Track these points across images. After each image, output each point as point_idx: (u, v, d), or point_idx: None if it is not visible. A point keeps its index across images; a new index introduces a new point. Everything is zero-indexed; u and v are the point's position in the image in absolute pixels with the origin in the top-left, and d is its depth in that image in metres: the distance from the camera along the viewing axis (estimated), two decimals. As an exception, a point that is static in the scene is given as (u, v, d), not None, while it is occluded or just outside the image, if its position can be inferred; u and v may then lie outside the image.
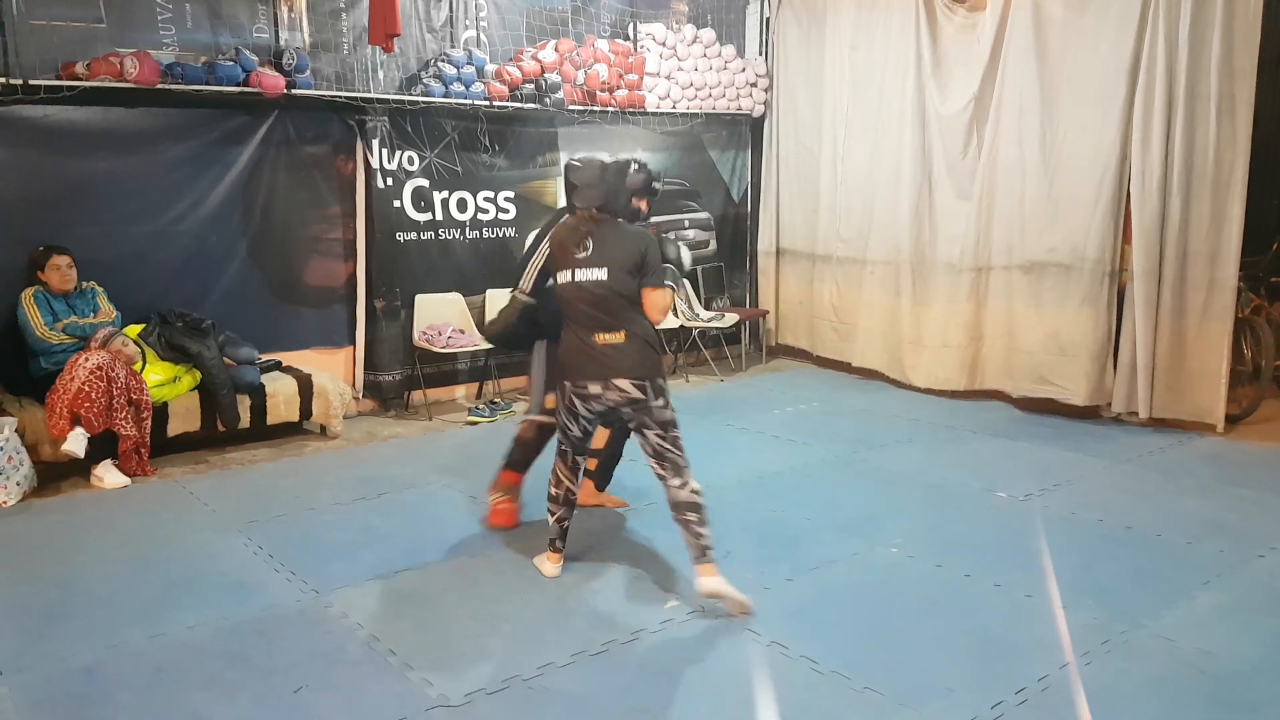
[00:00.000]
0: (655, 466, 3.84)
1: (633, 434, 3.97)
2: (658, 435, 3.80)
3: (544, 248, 4.13)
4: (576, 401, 3.89)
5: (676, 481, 3.80)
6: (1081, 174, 6.49)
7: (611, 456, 4.78)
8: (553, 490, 4.06)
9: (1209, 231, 6.07)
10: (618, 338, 3.79)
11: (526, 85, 7.16)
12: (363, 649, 3.45)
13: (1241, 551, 4.25)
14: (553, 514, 4.07)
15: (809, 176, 8.48)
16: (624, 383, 3.76)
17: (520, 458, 4.64)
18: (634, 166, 4.00)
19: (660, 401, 3.81)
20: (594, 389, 3.81)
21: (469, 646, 3.47)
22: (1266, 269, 6.86)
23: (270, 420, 5.94)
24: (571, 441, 4.01)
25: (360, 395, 6.85)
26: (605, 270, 3.78)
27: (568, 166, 3.95)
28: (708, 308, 8.60)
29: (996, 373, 7.07)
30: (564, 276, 3.85)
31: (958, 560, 4.21)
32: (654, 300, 3.82)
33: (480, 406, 6.84)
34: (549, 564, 4.09)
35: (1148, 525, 4.59)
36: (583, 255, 3.81)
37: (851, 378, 8.00)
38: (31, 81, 5.36)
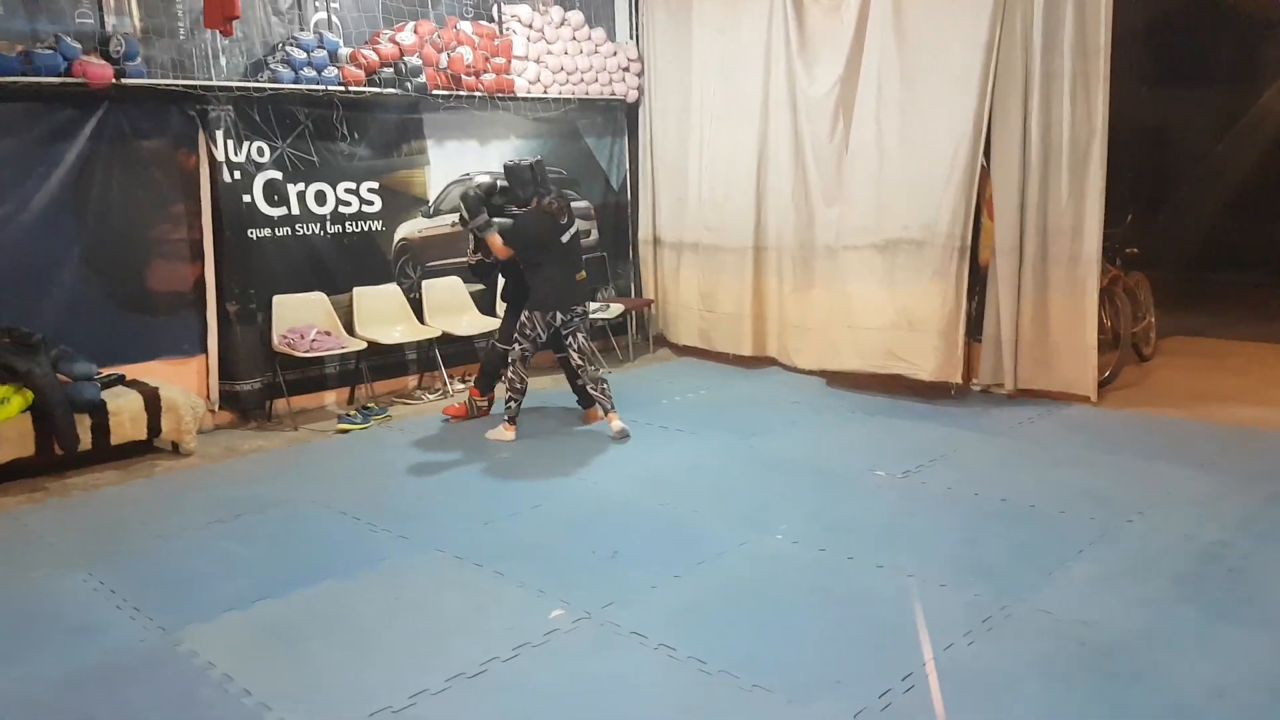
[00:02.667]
0: (577, 357, 5.97)
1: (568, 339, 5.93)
2: (585, 337, 6.02)
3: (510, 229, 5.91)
4: (559, 316, 5.82)
5: (592, 369, 6.01)
6: (938, 152, 6.50)
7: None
8: (519, 385, 5.92)
9: (1068, 206, 6.21)
10: (584, 275, 6.04)
11: (385, 69, 6.81)
12: (215, 691, 3.16)
13: (1112, 518, 4.35)
14: (516, 400, 5.93)
15: (680, 164, 8.38)
16: (582, 305, 5.95)
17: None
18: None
19: (587, 313, 6.06)
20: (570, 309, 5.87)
21: (335, 680, 3.22)
22: (1121, 240, 7.10)
23: (115, 440, 5.47)
24: (536, 347, 5.95)
25: (217, 407, 6.40)
26: (575, 229, 5.89)
27: (515, 167, 6.01)
28: (593, 298, 8.41)
29: (848, 351, 7.04)
30: (564, 237, 5.84)
31: (841, 544, 4.17)
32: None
33: (352, 413, 6.49)
34: (508, 432, 5.91)
35: (1022, 496, 4.66)
36: (565, 222, 5.84)
37: (733, 365, 7.96)
38: None
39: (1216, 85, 11.21)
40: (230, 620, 3.66)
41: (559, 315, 5.84)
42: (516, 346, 5.91)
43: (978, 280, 6.61)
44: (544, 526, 4.56)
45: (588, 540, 4.34)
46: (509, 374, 5.94)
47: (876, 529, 4.34)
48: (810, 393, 6.99)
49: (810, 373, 7.39)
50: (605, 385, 5.98)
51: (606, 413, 5.92)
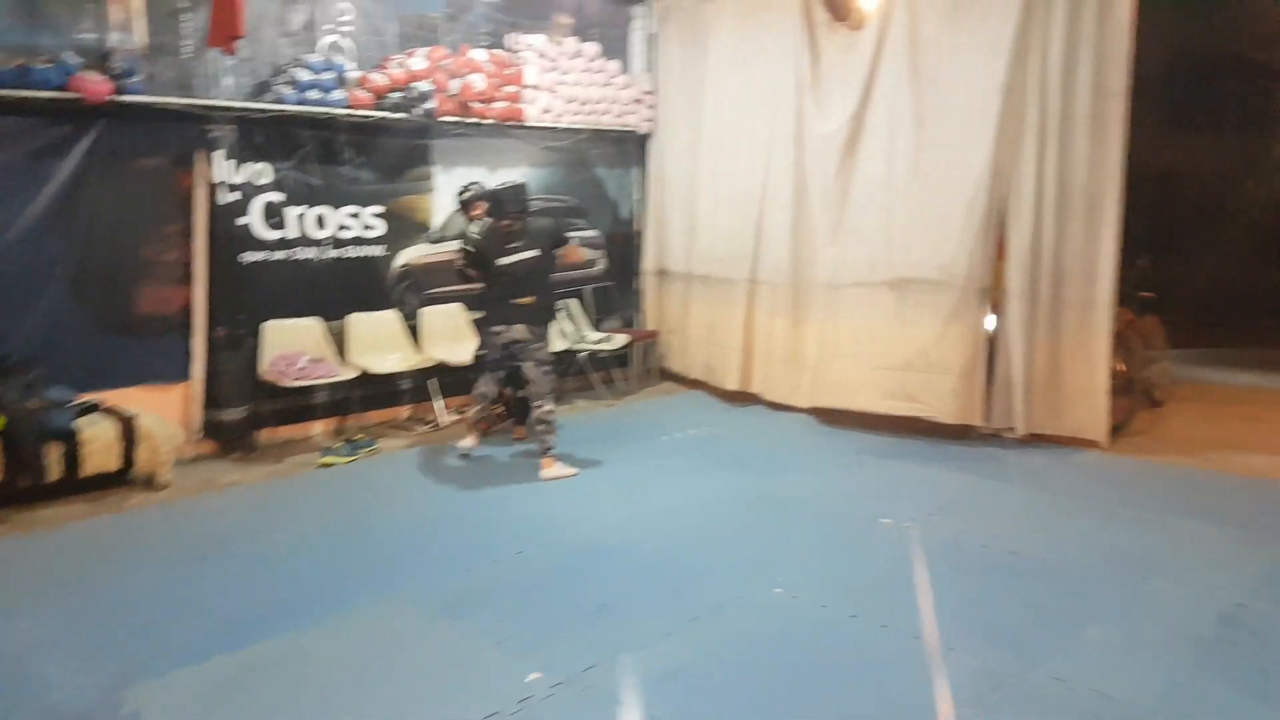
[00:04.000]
0: (529, 386, 5.86)
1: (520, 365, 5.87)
2: (535, 366, 5.79)
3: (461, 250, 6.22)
4: (500, 334, 5.82)
5: (542, 407, 5.76)
6: (953, 192, 6.38)
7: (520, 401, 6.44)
8: (479, 391, 6.11)
9: (1084, 250, 6.06)
10: (530, 300, 5.79)
11: (394, 94, 6.71)
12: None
13: (1128, 576, 4.14)
14: (482, 408, 6.15)
15: (688, 196, 8.26)
16: (521, 329, 5.76)
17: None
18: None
19: (540, 345, 5.79)
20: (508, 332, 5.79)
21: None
22: (1133, 283, 6.94)
23: (87, 470, 5.23)
24: (495, 360, 6.02)
25: (200, 436, 6.19)
26: (526, 255, 5.80)
27: (499, 188, 6.00)
28: (597, 329, 8.26)
29: (867, 391, 6.86)
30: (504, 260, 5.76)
31: (843, 600, 3.96)
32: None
33: (337, 445, 6.27)
34: (470, 439, 6.13)
35: (1033, 550, 4.45)
36: (514, 245, 5.78)
37: (733, 401, 7.76)
38: None
39: (1226, 131, 11.12)
40: (180, 678, 3.39)
41: (499, 331, 5.82)
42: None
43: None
44: (528, 574, 4.33)
45: (573, 591, 4.11)
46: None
47: (881, 583, 4.12)
48: (807, 431, 6.81)
49: (801, 410, 7.20)
50: (550, 428, 5.77)
51: (541, 455, 5.77)
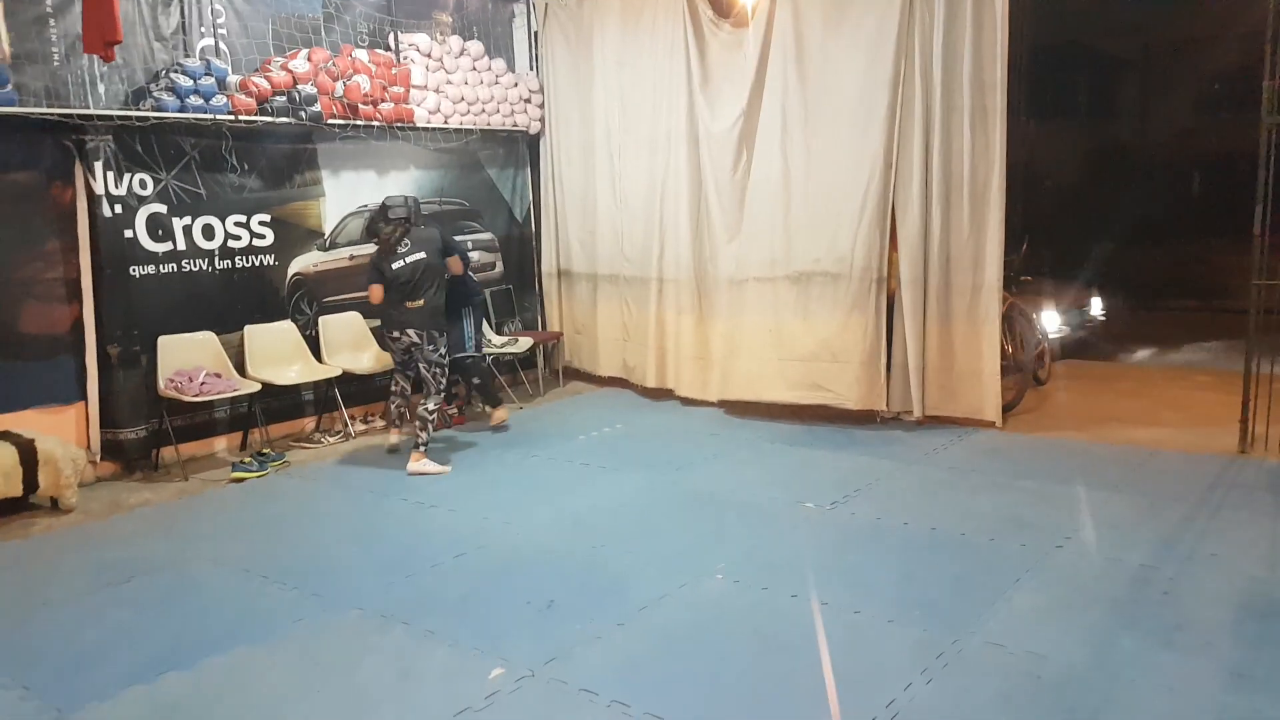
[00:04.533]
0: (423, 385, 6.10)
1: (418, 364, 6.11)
2: (426, 367, 6.07)
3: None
4: (397, 336, 6.07)
5: (424, 404, 6.03)
6: (845, 186, 6.61)
7: (478, 388, 7.10)
8: (391, 389, 6.49)
9: (970, 237, 6.38)
10: (420, 303, 6.00)
11: (277, 98, 6.49)
12: (122, 783, 2.83)
13: (1040, 544, 4.40)
14: (394, 405, 6.50)
15: (586, 196, 8.30)
16: (413, 332, 6.03)
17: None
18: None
19: (432, 346, 6.04)
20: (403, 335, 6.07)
21: (259, 761, 2.94)
22: (1018, 268, 7.35)
23: (-15, 498, 4.98)
24: (396, 360, 6.33)
25: (98, 458, 5.91)
26: (414, 260, 6.00)
27: (387, 201, 6.12)
28: (499, 332, 8.20)
29: (774, 382, 7.06)
30: (394, 264, 5.97)
31: (782, 582, 4.09)
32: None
33: (246, 460, 6.09)
34: (393, 437, 6.46)
35: (950, 526, 4.69)
36: (402, 250, 5.98)
37: (645, 397, 7.86)
38: None
39: (1076, 119, 11.87)
40: (133, 696, 3.31)
41: (397, 336, 6.06)
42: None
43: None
44: (469, 577, 4.32)
45: (519, 590, 4.13)
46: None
47: (814, 564, 4.27)
48: (719, 424, 6.96)
49: (711, 404, 7.36)
50: (424, 424, 5.97)
51: (413, 449, 5.99)
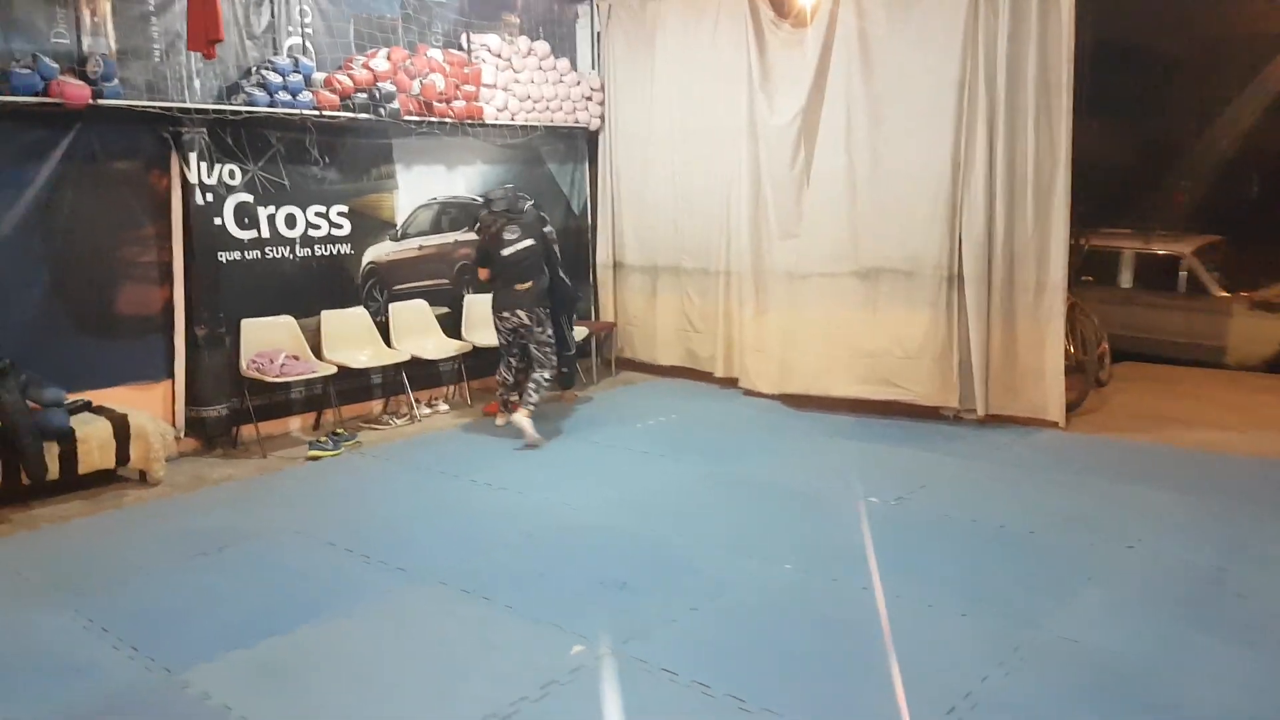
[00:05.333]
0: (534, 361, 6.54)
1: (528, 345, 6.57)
2: (536, 347, 6.51)
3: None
4: (506, 318, 6.50)
5: (538, 372, 6.49)
6: (913, 184, 6.68)
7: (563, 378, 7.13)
8: (500, 375, 6.81)
9: (1034, 235, 6.41)
10: (528, 285, 6.47)
11: (359, 94, 6.71)
12: (238, 735, 3.02)
13: (1110, 544, 4.45)
14: (502, 389, 6.83)
15: (645, 190, 8.43)
16: (523, 314, 6.47)
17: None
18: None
19: (540, 327, 6.50)
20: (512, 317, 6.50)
21: (364, 721, 3.11)
22: (1077, 268, 7.34)
23: (83, 469, 5.23)
24: (504, 345, 6.71)
25: (182, 434, 6.16)
26: (520, 245, 6.47)
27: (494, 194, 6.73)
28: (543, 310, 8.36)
29: (841, 377, 7.15)
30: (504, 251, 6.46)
31: (850, 572, 4.19)
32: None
33: (322, 439, 6.30)
34: (500, 420, 6.76)
35: (1018, 523, 4.75)
36: (508, 238, 6.46)
37: (701, 386, 7.98)
38: None
39: (1124, 118, 11.71)
40: (236, 659, 3.51)
41: (506, 317, 6.49)
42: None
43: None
44: (542, 555, 4.48)
45: (590, 570, 4.28)
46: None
47: (882, 558, 4.34)
48: (777, 415, 7.05)
49: (770, 395, 7.46)
50: (538, 388, 6.43)
51: (522, 406, 6.39)
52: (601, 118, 8.65)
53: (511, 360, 6.73)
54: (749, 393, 7.68)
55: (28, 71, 5.23)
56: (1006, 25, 6.28)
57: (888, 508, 5.02)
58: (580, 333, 8.10)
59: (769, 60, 7.48)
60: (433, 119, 7.24)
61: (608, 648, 3.54)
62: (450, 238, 7.75)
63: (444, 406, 7.37)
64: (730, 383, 7.92)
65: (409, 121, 7.09)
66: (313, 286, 6.79)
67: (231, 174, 6.27)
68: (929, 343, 6.71)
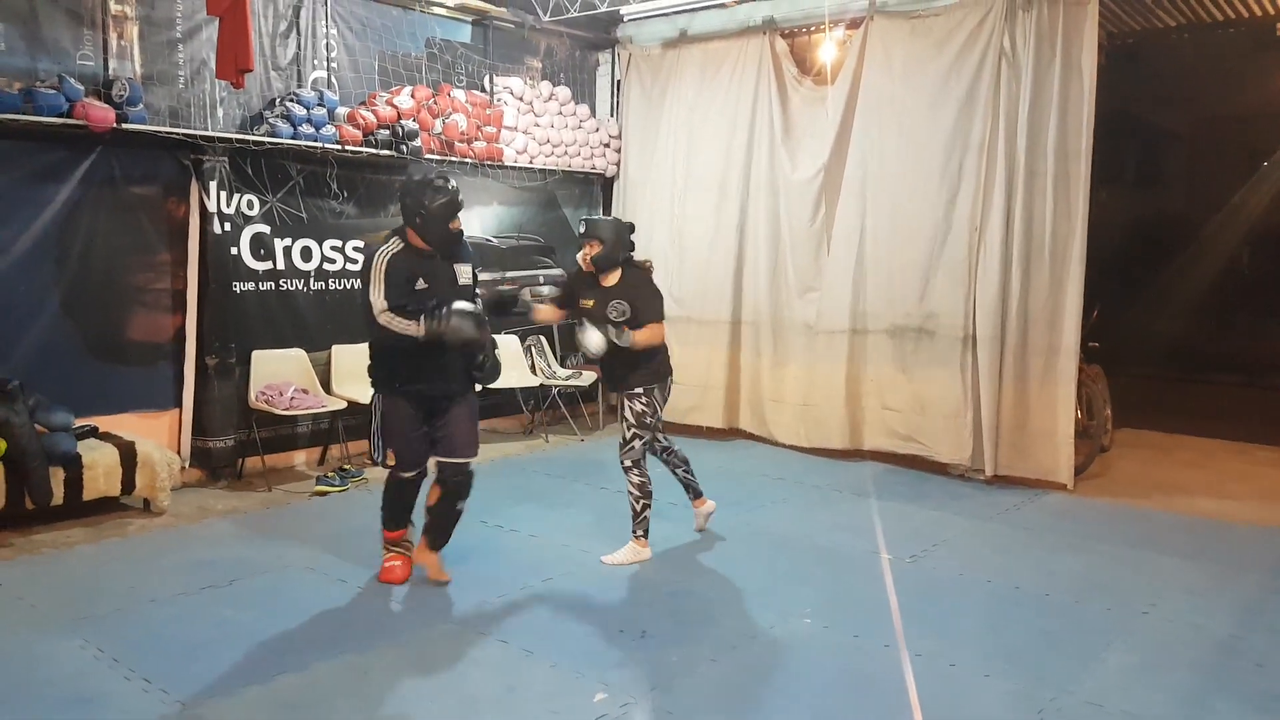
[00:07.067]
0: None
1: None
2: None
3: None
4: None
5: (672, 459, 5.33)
6: (931, 243, 6.77)
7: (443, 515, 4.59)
8: (649, 487, 4.98)
9: (1048, 299, 6.47)
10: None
11: (381, 131, 6.75)
12: (256, 775, 2.94)
13: (1126, 608, 4.42)
14: (648, 507, 5.00)
15: (651, 238, 8.46)
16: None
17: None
18: None
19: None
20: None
21: (382, 763, 3.03)
22: (1086, 334, 7.39)
23: (88, 495, 5.16)
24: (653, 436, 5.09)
25: (186, 464, 6.08)
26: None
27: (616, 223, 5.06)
28: (563, 365, 8.36)
29: (863, 430, 7.18)
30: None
31: (871, 629, 4.14)
32: None
33: (330, 475, 6.24)
34: (643, 549, 4.98)
35: (1033, 585, 4.71)
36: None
37: (705, 437, 7.94)
38: None
39: (1122, 187, 11.94)
40: (252, 695, 3.43)
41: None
42: (637, 443, 4.90)
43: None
44: (560, 601, 4.42)
45: (610, 617, 4.22)
46: (635, 477, 4.92)
47: (902, 614, 4.30)
48: (784, 467, 7.02)
49: (776, 444, 7.44)
50: (687, 466, 5.41)
51: (693, 498, 5.44)
52: (617, 165, 8.72)
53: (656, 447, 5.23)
54: (753, 440, 7.63)
55: (53, 92, 5.23)
56: (1029, 90, 6.39)
57: (903, 565, 4.99)
58: (589, 377, 8.10)
59: (791, 116, 7.59)
60: (453, 158, 7.29)
61: (630, 697, 3.47)
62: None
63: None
64: (733, 432, 7.88)
65: (430, 160, 7.13)
66: (325, 320, 6.76)
67: (250, 204, 6.28)
68: (943, 401, 6.74)
